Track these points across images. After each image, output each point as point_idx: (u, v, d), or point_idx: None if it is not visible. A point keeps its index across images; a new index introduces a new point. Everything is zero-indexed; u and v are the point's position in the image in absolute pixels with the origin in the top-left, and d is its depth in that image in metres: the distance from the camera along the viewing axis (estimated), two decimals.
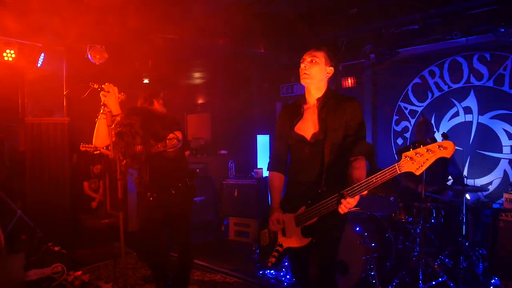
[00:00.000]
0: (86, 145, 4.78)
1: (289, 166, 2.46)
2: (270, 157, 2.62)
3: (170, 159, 3.22)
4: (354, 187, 2.00)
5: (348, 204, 2.01)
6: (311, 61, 2.32)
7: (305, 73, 2.32)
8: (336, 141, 2.24)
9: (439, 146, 1.79)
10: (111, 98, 2.82)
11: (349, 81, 6.01)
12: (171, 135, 3.09)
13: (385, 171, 1.92)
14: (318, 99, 2.36)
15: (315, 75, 2.33)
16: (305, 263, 2.35)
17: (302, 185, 2.34)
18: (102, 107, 2.85)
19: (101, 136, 2.94)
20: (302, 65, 2.34)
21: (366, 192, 2.01)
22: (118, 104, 2.88)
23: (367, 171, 2.15)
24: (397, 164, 1.89)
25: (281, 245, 2.42)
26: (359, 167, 2.10)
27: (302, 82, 2.36)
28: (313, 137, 2.30)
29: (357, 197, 2.02)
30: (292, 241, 2.35)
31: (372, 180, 1.95)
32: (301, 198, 2.30)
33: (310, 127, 2.32)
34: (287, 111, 2.49)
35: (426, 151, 1.80)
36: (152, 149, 3.01)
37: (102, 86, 2.79)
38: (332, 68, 2.39)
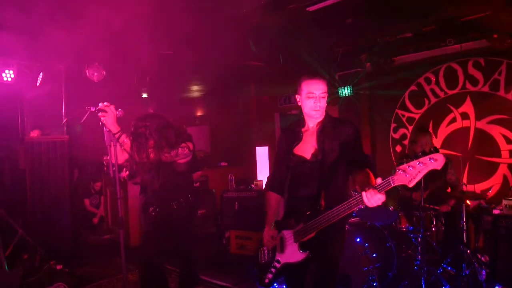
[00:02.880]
0: None
1: (289, 183, 2.50)
2: (268, 178, 2.71)
3: (179, 173, 3.24)
4: (383, 183, 1.95)
5: (375, 197, 1.92)
6: (323, 97, 2.38)
7: (317, 110, 2.37)
8: (333, 160, 2.32)
9: (430, 159, 1.86)
10: (109, 117, 2.85)
11: (346, 90, 6.05)
12: (183, 144, 3.13)
13: (380, 184, 1.96)
14: (317, 123, 2.44)
15: (324, 108, 2.41)
16: (301, 282, 2.38)
17: (301, 200, 2.38)
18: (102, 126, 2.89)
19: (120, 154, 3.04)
20: (312, 100, 2.37)
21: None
22: (116, 122, 2.92)
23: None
24: (391, 178, 1.94)
25: (278, 261, 2.46)
26: (366, 174, 2.12)
27: (314, 116, 2.40)
28: (312, 157, 2.38)
29: (383, 196, 1.95)
30: (290, 256, 2.38)
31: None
32: (300, 213, 2.35)
33: (310, 148, 2.40)
34: (286, 136, 2.57)
35: (418, 164, 1.87)
36: (165, 155, 3.05)
37: (98, 108, 2.82)
38: None
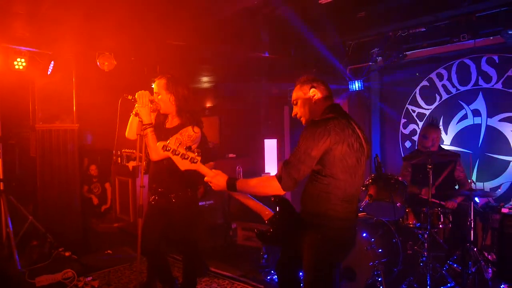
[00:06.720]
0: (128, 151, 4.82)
1: None
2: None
3: None
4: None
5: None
6: (294, 103, 2.35)
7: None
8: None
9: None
10: (144, 107, 2.93)
11: (357, 84, 6.00)
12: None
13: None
14: None
15: (305, 113, 2.32)
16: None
17: None
18: (133, 115, 3.00)
19: (132, 129, 3.10)
20: None
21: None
22: (150, 114, 2.99)
23: None
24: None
25: None
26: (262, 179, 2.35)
27: None
28: None
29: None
30: None
31: None
32: None
33: None
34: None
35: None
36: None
37: (136, 97, 2.93)
38: (313, 89, 2.27)
